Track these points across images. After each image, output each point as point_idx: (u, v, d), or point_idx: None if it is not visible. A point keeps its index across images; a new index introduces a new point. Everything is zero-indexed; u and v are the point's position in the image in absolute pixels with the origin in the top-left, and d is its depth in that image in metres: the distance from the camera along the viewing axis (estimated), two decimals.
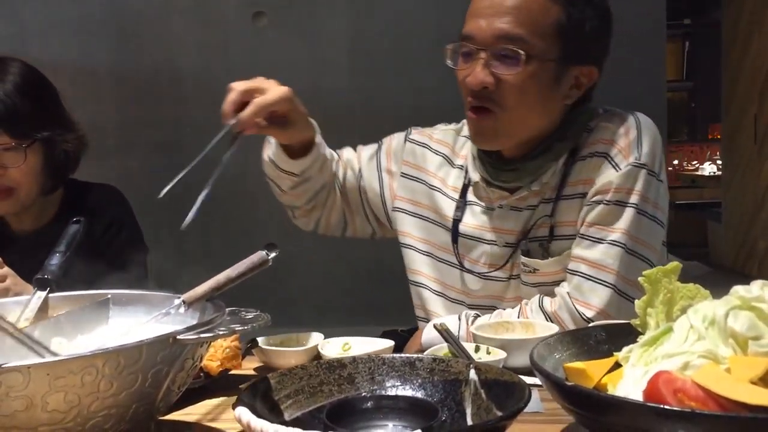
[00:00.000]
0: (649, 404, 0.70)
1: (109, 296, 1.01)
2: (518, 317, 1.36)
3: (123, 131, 2.80)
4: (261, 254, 1.01)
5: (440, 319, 1.42)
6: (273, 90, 1.27)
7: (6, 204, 1.58)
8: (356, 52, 2.84)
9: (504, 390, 0.86)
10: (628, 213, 1.32)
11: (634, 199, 1.32)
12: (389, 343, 1.27)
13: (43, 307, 1.05)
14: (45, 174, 1.61)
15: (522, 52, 1.29)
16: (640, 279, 0.97)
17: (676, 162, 8.37)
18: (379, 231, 1.63)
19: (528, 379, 1.13)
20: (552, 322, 1.32)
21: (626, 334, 0.98)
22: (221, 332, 0.78)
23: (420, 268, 1.53)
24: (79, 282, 1.26)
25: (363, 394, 0.93)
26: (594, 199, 1.35)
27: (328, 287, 2.78)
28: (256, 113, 1.25)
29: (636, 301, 0.97)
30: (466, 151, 1.52)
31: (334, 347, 1.30)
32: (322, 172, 1.49)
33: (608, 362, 0.93)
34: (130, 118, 2.80)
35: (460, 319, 1.41)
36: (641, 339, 0.93)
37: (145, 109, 2.80)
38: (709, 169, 7.96)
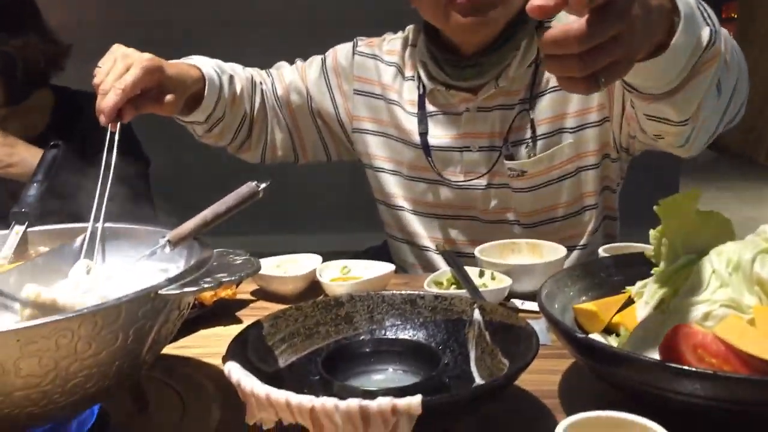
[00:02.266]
0: (666, 363, 0.65)
1: (88, 231, 0.95)
2: None
3: (108, 32, 2.66)
4: (251, 185, 0.94)
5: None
6: (133, 66, 1.05)
7: None
8: None
9: (509, 334, 0.82)
10: None
11: None
12: (389, 267, 1.22)
13: (23, 243, 0.99)
14: (5, 87, 1.52)
15: None
16: (655, 208, 0.91)
17: None
18: (334, 154, 1.53)
19: (532, 306, 1.11)
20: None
21: (639, 265, 0.92)
22: (206, 285, 0.73)
23: (390, 188, 1.45)
24: (77, 203, 1.21)
25: (361, 335, 0.89)
26: None
27: (326, 191, 2.74)
28: (118, 101, 1.01)
29: (651, 231, 0.91)
30: (413, 59, 1.41)
31: (333, 271, 1.25)
32: (235, 107, 1.36)
33: (619, 300, 0.89)
34: (117, 19, 2.66)
35: None
36: (655, 272, 0.88)
37: (132, 8, 2.65)
38: None
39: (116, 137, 0.99)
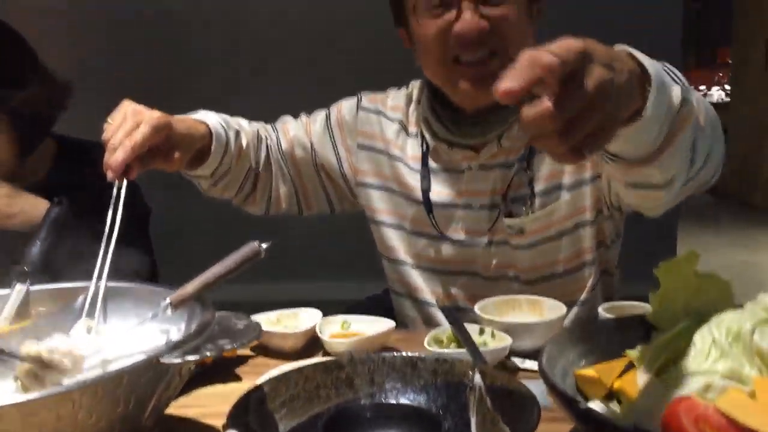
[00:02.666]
0: None
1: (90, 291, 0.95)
2: None
3: (112, 73, 2.69)
4: (253, 246, 0.95)
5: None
6: (143, 123, 1.07)
7: None
8: None
9: (511, 400, 0.81)
10: None
11: None
12: (390, 324, 1.22)
13: (25, 302, 1.00)
14: (17, 142, 1.51)
15: None
16: (655, 270, 0.92)
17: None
18: (338, 206, 1.54)
19: (532, 364, 1.10)
20: None
21: (639, 328, 0.93)
22: (209, 353, 0.73)
23: (393, 243, 1.46)
24: (76, 256, 1.21)
25: (362, 399, 0.89)
26: None
27: (324, 237, 2.74)
28: (126, 158, 1.03)
29: (650, 294, 0.92)
30: (415, 116, 1.43)
31: (333, 326, 1.25)
32: (241, 161, 1.38)
33: (620, 364, 0.88)
34: (120, 58, 2.70)
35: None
36: (655, 336, 0.88)
37: (135, 49, 2.69)
38: (717, 95, 7.80)
39: (122, 193, 1.00)
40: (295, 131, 1.48)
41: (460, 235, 1.38)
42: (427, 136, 1.38)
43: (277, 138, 1.48)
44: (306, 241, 2.70)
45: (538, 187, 1.32)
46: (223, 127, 1.29)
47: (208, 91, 2.40)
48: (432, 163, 1.39)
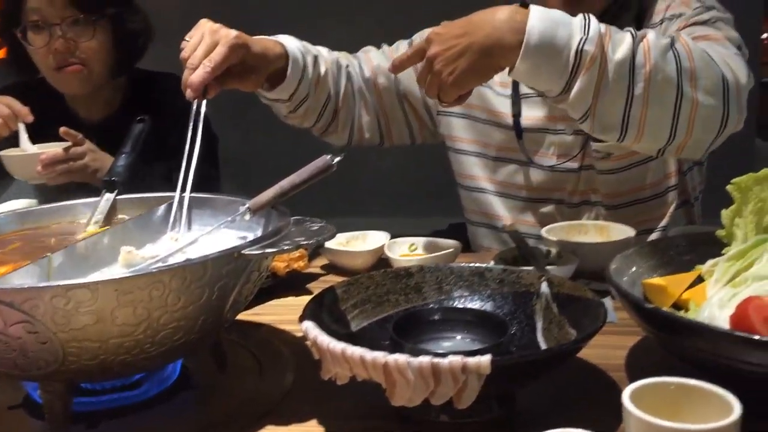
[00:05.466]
0: (737, 333, 0.66)
1: (175, 200, 1.00)
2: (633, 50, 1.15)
3: (187, 14, 2.74)
4: (325, 159, 0.97)
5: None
6: (221, 43, 1.07)
7: (77, 81, 1.58)
8: None
9: (577, 306, 0.83)
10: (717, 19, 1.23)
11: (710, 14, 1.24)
12: (455, 244, 1.24)
13: (112, 210, 1.06)
14: (113, 53, 1.60)
15: None
16: (727, 187, 0.91)
17: (765, 36, 7.77)
18: (419, 136, 1.53)
19: (599, 286, 1.11)
20: (674, 49, 1.09)
21: (710, 245, 0.92)
22: (286, 247, 0.76)
23: (475, 171, 1.46)
24: (150, 178, 1.27)
25: (430, 304, 0.92)
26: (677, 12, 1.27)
27: (396, 176, 2.76)
28: (206, 77, 1.04)
29: (723, 211, 0.91)
30: None
31: (400, 247, 1.28)
32: (320, 88, 1.36)
33: (690, 276, 0.89)
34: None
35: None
36: (727, 251, 0.88)
37: None
38: None
39: (203, 110, 1.03)
40: (378, 60, 1.47)
41: (550, 160, 1.38)
42: None
43: (360, 66, 1.46)
44: (370, 175, 2.74)
45: None
46: (300, 51, 1.28)
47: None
48: (523, 88, 1.38)
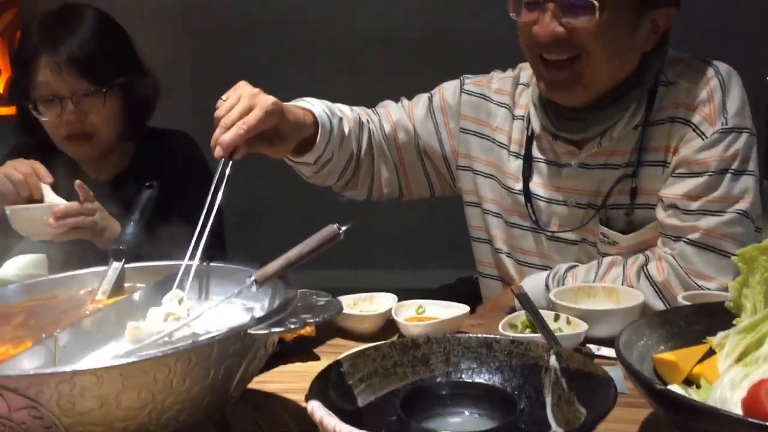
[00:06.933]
0: (750, 419, 0.65)
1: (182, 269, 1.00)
2: (611, 275, 1.30)
3: (195, 71, 2.79)
4: (332, 228, 0.98)
5: (527, 280, 1.37)
6: (257, 107, 1.09)
7: (87, 148, 1.60)
8: None
9: (587, 382, 0.82)
10: (734, 179, 1.24)
11: (734, 164, 1.23)
12: (464, 308, 1.23)
13: (120, 279, 1.06)
14: (123, 119, 1.63)
15: (595, 1, 1.17)
16: (733, 258, 0.90)
17: None
18: (438, 190, 1.55)
19: (608, 351, 1.10)
20: (660, 291, 1.25)
21: (720, 314, 0.91)
22: (293, 326, 0.76)
23: (488, 227, 1.47)
24: (154, 240, 1.27)
25: (438, 377, 0.91)
26: (684, 171, 1.25)
27: (402, 228, 2.77)
28: (238, 138, 1.06)
29: (730, 283, 0.90)
30: (525, 99, 1.41)
31: (408, 310, 1.28)
32: (343, 148, 1.37)
33: (700, 350, 0.88)
34: (202, 57, 2.79)
35: (548, 278, 1.35)
36: (737, 323, 0.87)
37: (216, 47, 2.78)
38: None
39: (227, 172, 1.03)
40: (398, 115, 1.48)
41: (552, 229, 1.38)
42: (533, 122, 1.38)
43: (380, 122, 1.47)
44: (377, 229, 2.75)
45: (641, 199, 1.31)
46: (327, 115, 1.30)
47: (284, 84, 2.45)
48: (535, 152, 1.39)
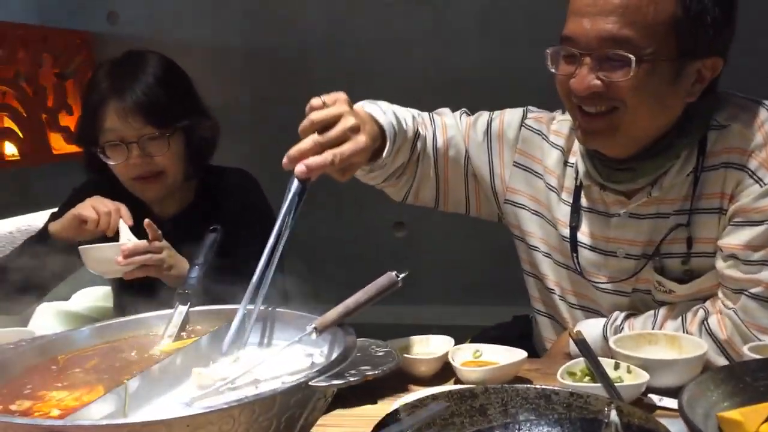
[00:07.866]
0: None
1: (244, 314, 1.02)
2: (669, 327, 1.28)
3: (255, 109, 2.86)
4: (390, 276, 1.00)
5: (584, 326, 1.34)
6: (352, 142, 1.07)
7: (154, 188, 1.67)
8: (488, 22, 2.73)
9: None
10: None
11: None
12: (521, 354, 1.23)
13: (185, 322, 1.09)
14: (186, 160, 1.69)
15: (631, 56, 1.15)
16: None
17: None
18: (474, 211, 1.51)
19: (670, 402, 1.08)
20: (723, 348, 1.23)
21: None
22: (352, 378, 0.78)
23: (537, 265, 1.46)
24: (217, 280, 1.30)
25: (495, 429, 0.91)
26: (743, 219, 1.22)
27: (456, 263, 2.76)
28: (326, 167, 1.04)
29: None
30: (577, 146, 1.38)
31: (464, 353, 1.28)
32: (398, 158, 1.35)
33: (767, 407, 0.85)
34: (262, 96, 2.86)
35: (606, 327, 1.33)
36: None
37: (276, 87, 2.84)
38: None
39: (298, 196, 1.02)
40: (454, 132, 1.47)
41: (601, 280, 1.36)
42: (581, 171, 1.36)
43: (434, 134, 1.46)
44: (436, 264, 2.75)
45: (698, 248, 1.28)
46: (394, 129, 1.27)
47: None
48: (584, 201, 1.37)
